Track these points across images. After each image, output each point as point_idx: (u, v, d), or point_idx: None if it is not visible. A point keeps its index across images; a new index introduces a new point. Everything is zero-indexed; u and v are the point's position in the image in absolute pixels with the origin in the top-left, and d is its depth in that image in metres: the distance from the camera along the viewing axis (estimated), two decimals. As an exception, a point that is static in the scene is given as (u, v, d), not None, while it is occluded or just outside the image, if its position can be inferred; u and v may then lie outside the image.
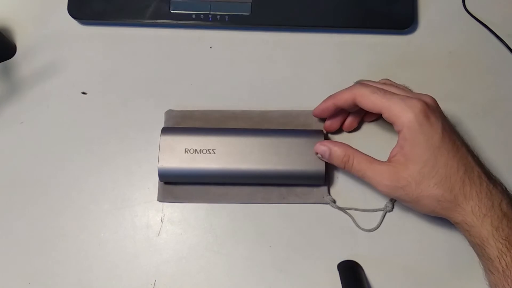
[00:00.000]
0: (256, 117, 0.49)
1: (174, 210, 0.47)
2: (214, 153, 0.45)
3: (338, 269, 0.45)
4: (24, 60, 0.51)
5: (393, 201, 0.47)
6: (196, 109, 0.49)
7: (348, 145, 0.43)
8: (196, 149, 0.45)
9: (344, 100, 0.44)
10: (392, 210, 0.47)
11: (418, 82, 0.50)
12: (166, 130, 0.46)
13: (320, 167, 0.44)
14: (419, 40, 0.52)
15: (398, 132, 0.42)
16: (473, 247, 0.41)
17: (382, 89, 0.42)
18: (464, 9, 0.52)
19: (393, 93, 0.42)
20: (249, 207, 0.47)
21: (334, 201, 0.47)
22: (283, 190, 0.47)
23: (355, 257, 0.45)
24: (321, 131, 0.47)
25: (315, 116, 0.47)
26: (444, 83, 0.50)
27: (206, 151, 0.45)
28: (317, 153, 0.44)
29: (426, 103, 0.41)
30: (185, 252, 0.46)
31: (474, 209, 0.39)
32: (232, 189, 0.47)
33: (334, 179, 0.48)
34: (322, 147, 0.44)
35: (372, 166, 0.42)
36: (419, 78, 0.50)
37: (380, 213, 0.47)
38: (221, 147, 0.45)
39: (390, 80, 0.45)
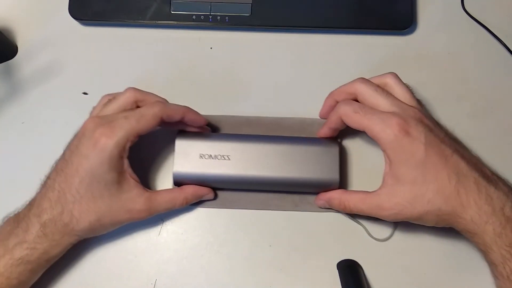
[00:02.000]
0: (270, 123, 0.49)
1: (175, 210, 0.47)
2: (229, 159, 0.44)
3: (337, 268, 0.45)
4: (25, 61, 0.51)
5: None
6: (196, 110, 0.49)
7: (342, 190, 0.44)
8: (211, 155, 0.44)
9: (335, 122, 0.44)
10: None
11: (417, 82, 0.50)
12: (181, 134, 0.46)
13: (335, 175, 0.44)
14: (418, 41, 0.52)
15: (383, 152, 0.42)
16: (478, 251, 0.41)
17: (365, 106, 0.42)
18: (463, 10, 0.53)
19: (375, 110, 0.41)
20: (249, 207, 0.47)
21: None
22: (296, 198, 0.47)
23: (355, 256, 0.46)
24: (336, 139, 0.47)
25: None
26: (444, 84, 0.51)
27: (221, 157, 0.44)
28: (320, 207, 0.46)
29: (406, 118, 0.40)
30: (185, 251, 0.46)
31: (474, 217, 0.38)
32: (246, 196, 0.47)
33: (348, 188, 0.48)
34: (320, 201, 0.46)
35: (367, 203, 0.42)
36: (418, 79, 0.50)
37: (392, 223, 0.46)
38: (236, 153, 0.44)
39: (396, 77, 0.44)
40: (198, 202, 0.47)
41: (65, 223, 0.40)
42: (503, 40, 0.51)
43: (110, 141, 0.40)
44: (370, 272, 0.45)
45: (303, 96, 0.50)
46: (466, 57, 0.52)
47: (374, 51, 0.52)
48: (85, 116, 0.47)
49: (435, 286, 0.45)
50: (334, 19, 0.51)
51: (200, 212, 0.47)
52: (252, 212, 0.47)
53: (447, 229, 0.45)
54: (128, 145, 0.41)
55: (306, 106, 0.50)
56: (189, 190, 0.45)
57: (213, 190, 0.46)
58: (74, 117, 0.49)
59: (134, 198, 0.42)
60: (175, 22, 0.51)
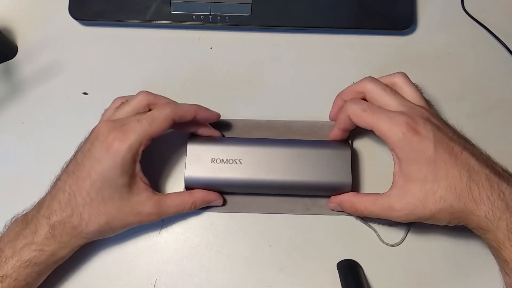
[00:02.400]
0: (281, 127, 0.49)
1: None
2: (241, 163, 0.44)
3: (337, 268, 0.45)
4: (25, 61, 0.51)
5: None
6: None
7: (353, 193, 0.44)
8: (222, 159, 0.44)
9: (344, 122, 0.44)
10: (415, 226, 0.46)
11: (417, 82, 0.49)
12: (193, 139, 0.46)
13: (347, 178, 0.44)
14: (418, 41, 0.52)
15: (391, 151, 0.42)
16: (489, 248, 0.41)
17: (373, 105, 0.42)
18: (463, 10, 0.53)
19: (383, 109, 0.41)
20: (249, 207, 0.47)
21: None
22: (307, 201, 0.47)
23: (355, 256, 0.46)
24: (347, 142, 0.47)
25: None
26: (443, 84, 0.51)
27: (233, 161, 0.44)
28: (333, 210, 0.47)
29: (414, 117, 0.40)
30: (185, 251, 0.46)
31: (488, 213, 0.38)
32: (257, 200, 0.47)
33: (360, 190, 0.48)
34: (332, 204, 0.46)
35: (378, 204, 0.42)
36: (418, 79, 0.50)
37: (404, 228, 0.46)
38: (248, 157, 0.44)
39: (405, 76, 0.45)
40: (208, 207, 0.47)
41: (74, 225, 0.40)
42: (503, 40, 0.51)
43: (123, 145, 0.40)
44: (370, 272, 0.45)
45: (303, 96, 0.50)
46: (466, 57, 0.52)
47: (374, 51, 0.52)
48: (85, 116, 0.47)
49: (434, 286, 0.45)
50: (334, 19, 0.51)
51: (200, 211, 0.47)
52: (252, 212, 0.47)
53: (447, 229, 0.45)
54: (141, 149, 0.41)
55: (307, 106, 0.50)
56: (198, 195, 0.45)
57: (222, 196, 0.46)
58: (74, 117, 0.50)
59: (143, 201, 0.42)
60: (175, 22, 0.51)
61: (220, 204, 0.46)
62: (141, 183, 0.42)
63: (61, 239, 0.40)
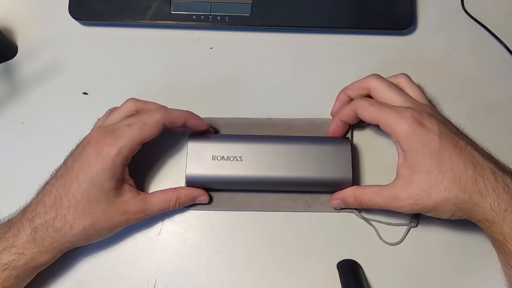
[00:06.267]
0: (281, 125, 0.49)
1: (175, 210, 0.47)
2: (242, 160, 0.44)
3: (337, 268, 0.45)
4: (25, 61, 0.51)
5: (418, 217, 0.46)
6: (197, 110, 0.49)
7: (355, 186, 0.44)
8: (223, 156, 0.44)
9: (348, 114, 0.44)
10: (416, 226, 0.46)
11: (417, 82, 0.50)
12: (193, 137, 0.46)
13: (347, 174, 0.44)
14: (418, 41, 0.52)
15: (396, 144, 0.42)
16: (493, 243, 0.41)
17: (380, 102, 0.43)
18: (463, 10, 0.53)
19: (389, 105, 0.42)
20: (249, 207, 0.47)
21: (360, 211, 0.47)
22: (308, 198, 0.47)
23: (355, 256, 0.46)
24: (347, 138, 0.47)
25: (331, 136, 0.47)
26: (443, 84, 0.51)
27: (234, 158, 0.44)
28: (335, 208, 0.46)
29: (419, 112, 0.41)
30: (185, 251, 0.46)
31: (493, 205, 0.38)
32: (258, 197, 0.47)
33: None
34: (335, 201, 0.45)
35: (382, 195, 0.42)
36: (418, 79, 0.50)
37: (404, 227, 0.46)
38: (249, 154, 0.44)
39: (408, 77, 0.45)
40: (210, 206, 0.47)
41: (57, 228, 0.40)
42: (503, 40, 0.51)
43: (113, 149, 0.40)
44: (370, 272, 0.45)
45: (303, 96, 0.50)
46: (466, 57, 0.52)
47: (374, 51, 0.52)
48: (85, 116, 0.47)
49: (435, 286, 0.45)
50: (334, 19, 0.51)
51: (200, 212, 0.47)
52: (252, 212, 0.47)
53: (447, 227, 0.45)
54: (131, 153, 0.42)
55: (307, 105, 0.50)
56: (182, 191, 0.45)
57: (208, 193, 0.46)
58: (74, 117, 0.50)
59: (128, 200, 0.43)
60: (175, 22, 0.51)
61: (206, 202, 0.46)
62: (127, 185, 0.43)
63: (42, 243, 0.40)
